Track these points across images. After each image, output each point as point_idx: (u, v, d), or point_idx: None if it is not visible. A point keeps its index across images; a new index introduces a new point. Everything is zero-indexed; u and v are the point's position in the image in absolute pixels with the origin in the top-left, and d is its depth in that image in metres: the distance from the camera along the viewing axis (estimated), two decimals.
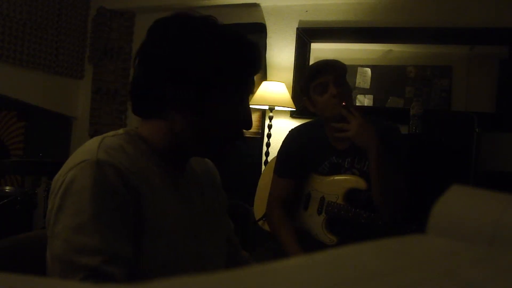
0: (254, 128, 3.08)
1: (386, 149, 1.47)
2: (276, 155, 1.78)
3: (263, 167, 2.85)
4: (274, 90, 2.73)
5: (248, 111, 0.87)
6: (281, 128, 2.84)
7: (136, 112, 0.85)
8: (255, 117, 3.08)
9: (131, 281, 0.70)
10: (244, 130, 0.88)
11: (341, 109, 1.52)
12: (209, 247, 0.89)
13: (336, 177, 1.61)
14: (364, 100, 2.94)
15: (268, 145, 2.83)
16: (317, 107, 1.58)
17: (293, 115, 2.95)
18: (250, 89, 0.87)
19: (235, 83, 0.82)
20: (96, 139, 0.78)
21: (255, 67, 0.86)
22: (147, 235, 0.75)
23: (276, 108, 2.79)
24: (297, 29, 2.97)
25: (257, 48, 0.86)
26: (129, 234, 0.72)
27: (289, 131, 1.74)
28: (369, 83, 2.93)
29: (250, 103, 2.91)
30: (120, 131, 0.83)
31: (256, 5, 3.04)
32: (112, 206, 0.71)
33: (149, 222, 0.75)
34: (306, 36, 2.96)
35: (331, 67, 1.55)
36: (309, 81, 1.58)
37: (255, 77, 0.89)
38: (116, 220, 0.71)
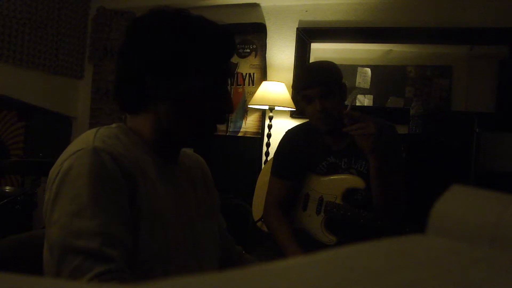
0: (254, 128, 3.09)
1: (385, 150, 1.46)
2: (273, 156, 1.77)
3: (263, 167, 2.85)
4: (274, 90, 2.73)
5: (227, 95, 0.90)
6: (281, 128, 2.84)
7: (123, 109, 0.88)
8: (255, 117, 3.08)
9: (129, 266, 0.71)
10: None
11: (324, 127, 1.53)
12: (203, 238, 0.91)
13: (334, 177, 1.60)
14: (364, 100, 2.95)
15: (268, 145, 2.83)
16: (306, 114, 1.59)
17: (293, 115, 2.95)
18: (227, 73, 0.90)
19: (209, 69, 0.85)
20: (91, 131, 0.81)
21: (227, 52, 0.88)
22: (142, 223, 0.76)
23: (276, 108, 2.79)
24: (297, 29, 2.97)
25: (229, 33, 0.88)
26: (127, 219, 0.73)
27: (285, 132, 1.73)
28: (369, 83, 2.93)
29: (250, 103, 2.92)
30: (113, 125, 0.86)
31: (256, 5, 3.04)
32: (110, 191, 0.72)
33: (144, 210, 0.76)
34: (306, 36, 2.96)
35: (318, 81, 1.51)
36: (298, 90, 1.58)
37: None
38: (114, 204, 0.72)
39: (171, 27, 0.83)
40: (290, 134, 1.71)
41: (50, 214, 0.72)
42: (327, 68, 1.57)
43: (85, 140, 0.77)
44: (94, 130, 0.81)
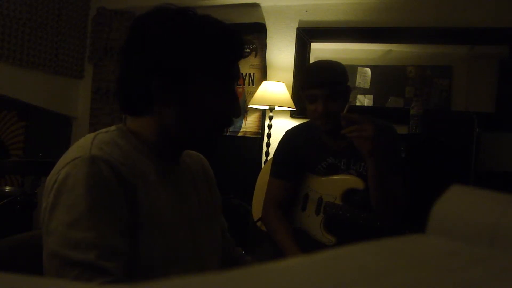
0: (254, 128, 3.09)
1: (384, 150, 1.45)
2: (272, 156, 1.77)
3: (263, 167, 2.85)
4: (274, 90, 2.73)
5: (235, 98, 0.87)
6: (281, 128, 2.84)
7: (125, 110, 0.86)
8: (255, 117, 3.08)
9: (128, 275, 0.71)
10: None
11: (325, 126, 1.51)
12: (205, 240, 0.90)
13: (334, 177, 1.60)
14: (364, 100, 2.94)
15: (268, 145, 2.83)
16: (307, 112, 1.58)
17: (293, 115, 2.95)
18: (235, 76, 0.87)
19: (218, 71, 0.83)
20: (89, 136, 0.79)
21: (236, 54, 0.86)
22: (143, 229, 0.75)
23: (276, 108, 2.79)
24: (297, 29, 2.97)
25: (238, 35, 0.85)
26: (125, 228, 0.73)
27: (285, 132, 1.73)
28: (369, 83, 2.93)
29: (250, 103, 2.92)
30: (112, 127, 0.84)
31: (256, 5, 3.04)
32: (107, 201, 0.71)
33: (144, 215, 0.76)
34: (306, 36, 2.96)
35: (325, 82, 1.48)
36: (303, 87, 1.56)
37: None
38: (111, 215, 0.71)
39: (177, 27, 0.80)
40: (289, 134, 1.71)
41: (48, 223, 0.71)
42: (335, 68, 1.54)
43: (82, 147, 0.75)
44: (92, 135, 0.79)
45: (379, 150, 1.40)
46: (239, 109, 0.88)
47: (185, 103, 0.81)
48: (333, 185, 1.60)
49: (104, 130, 0.83)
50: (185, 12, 0.82)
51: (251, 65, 3.09)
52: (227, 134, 3.08)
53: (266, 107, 2.79)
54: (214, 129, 0.85)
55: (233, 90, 0.87)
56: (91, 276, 0.67)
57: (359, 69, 2.94)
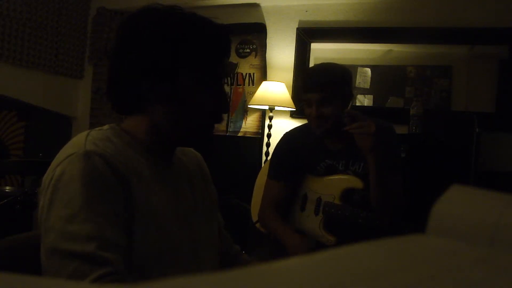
0: (254, 128, 3.09)
1: (384, 150, 1.46)
2: (270, 158, 1.77)
3: (263, 167, 2.85)
4: (274, 90, 2.73)
5: (223, 94, 0.88)
6: (281, 128, 2.84)
7: (117, 110, 0.87)
8: (255, 117, 3.08)
9: (126, 268, 0.71)
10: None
11: (317, 130, 1.54)
12: (202, 236, 0.90)
13: (332, 177, 1.60)
14: (364, 100, 2.95)
15: (268, 145, 2.83)
16: (305, 114, 1.60)
17: (293, 115, 2.95)
18: (223, 72, 0.88)
19: (205, 69, 0.83)
20: (82, 134, 0.80)
21: (223, 50, 0.86)
22: (138, 223, 0.75)
23: (276, 108, 2.79)
24: (297, 29, 2.97)
25: (225, 31, 0.86)
26: (121, 221, 0.73)
27: (283, 135, 1.74)
28: (369, 83, 2.93)
29: (250, 103, 2.92)
30: (105, 126, 0.85)
31: (256, 5, 3.04)
32: (103, 194, 0.72)
33: (139, 211, 0.76)
34: (306, 36, 2.96)
35: (317, 86, 1.50)
36: (300, 92, 1.59)
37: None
38: (108, 208, 0.71)
39: (163, 27, 0.81)
40: (288, 136, 1.72)
41: (46, 220, 0.71)
42: (330, 71, 1.54)
43: (76, 143, 0.76)
44: (85, 133, 0.80)
45: (379, 148, 1.42)
46: (227, 105, 0.89)
47: (174, 101, 0.82)
48: (332, 185, 1.60)
49: (97, 128, 0.83)
50: (172, 10, 0.83)
51: (251, 65, 3.09)
52: (227, 134, 3.09)
53: (266, 107, 2.79)
54: (204, 126, 0.86)
55: (221, 86, 0.88)
56: (91, 267, 0.67)
57: (359, 69, 2.94)
